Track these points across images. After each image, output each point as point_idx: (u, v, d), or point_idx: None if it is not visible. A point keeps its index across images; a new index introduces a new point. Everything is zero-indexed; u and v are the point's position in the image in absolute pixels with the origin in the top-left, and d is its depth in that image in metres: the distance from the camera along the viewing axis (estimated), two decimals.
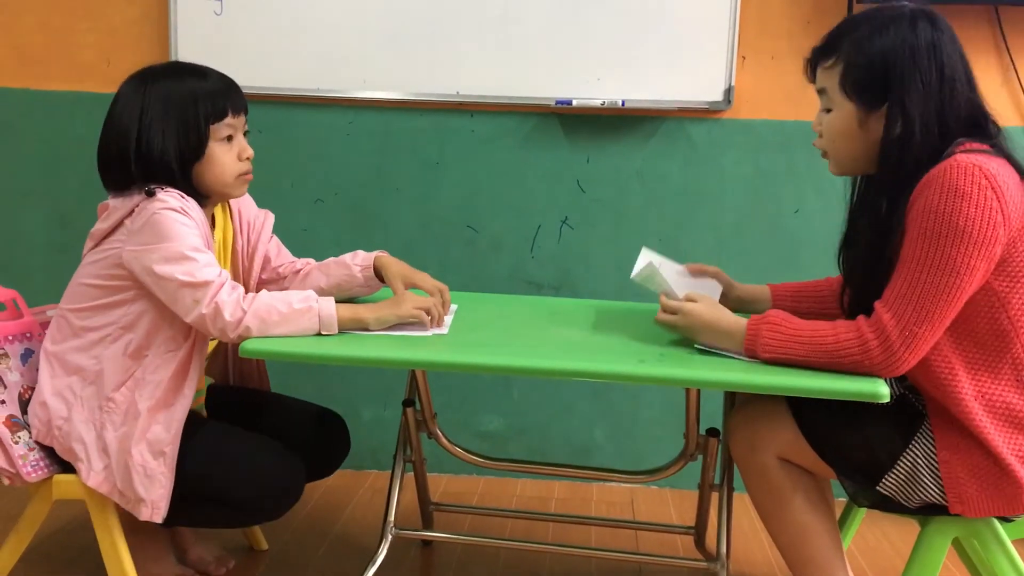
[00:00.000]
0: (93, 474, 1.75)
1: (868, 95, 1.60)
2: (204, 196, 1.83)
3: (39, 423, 1.79)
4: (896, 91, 1.57)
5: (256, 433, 1.86)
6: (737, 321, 1.66)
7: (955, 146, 1.55)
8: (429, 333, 1.77)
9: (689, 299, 1.71)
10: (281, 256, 2.07)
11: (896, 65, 1.57)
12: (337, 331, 1.73)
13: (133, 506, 1.73)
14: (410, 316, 1.77)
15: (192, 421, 1.77)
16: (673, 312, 1.70)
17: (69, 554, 2.24)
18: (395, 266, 1.95)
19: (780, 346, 1.58)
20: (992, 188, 1.49)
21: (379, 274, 1.97)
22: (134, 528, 1.91)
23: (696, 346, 1.69)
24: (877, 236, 1.62)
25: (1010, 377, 1.57)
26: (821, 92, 1.68)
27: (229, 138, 1.82)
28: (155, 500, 1.71)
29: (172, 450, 1.73)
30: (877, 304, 1.56)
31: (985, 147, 1.56)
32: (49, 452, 1.82)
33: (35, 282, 2.76)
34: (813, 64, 1.70)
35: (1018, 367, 1.57)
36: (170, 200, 1.71)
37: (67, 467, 1.81)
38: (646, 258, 1.80)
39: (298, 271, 2.05)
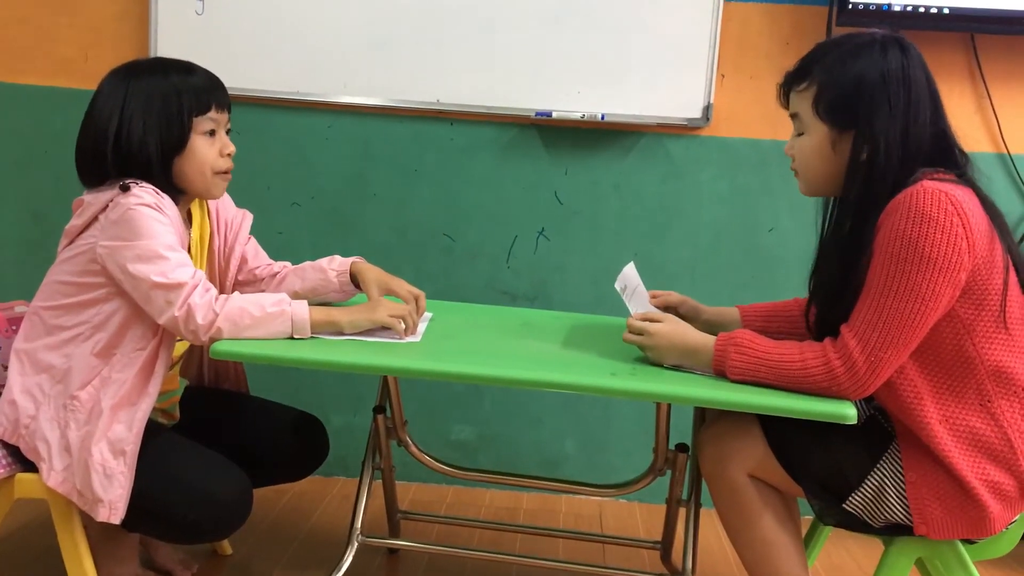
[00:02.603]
0: (53, 474, 1.72)
1: (840, 117, 1.63)
2: (181, 192, 1.82)
3: (6, 421, 1.77)
4: (865, 114, 1.59)
5: (209, 448, 1.82)
6: (704, 339, 1.67)
7: (921, 174, 1.57)
8: (402, 340, 1.76)
9: (653, 319, 1.71)
10: (258, 258, 2.06)
11: (866, 88, 1.60)
12: (310, 334, 1.72)
13: (91, 507, 1.69)
14: (384, 322, 1.76)
15: (147, 431, 1.73)
16: (639, 333, 1.71)
17: (31, 554, 2.21)
18: (371, 272, 1.95)
19: (747, 368, 1.60)
20: (958, 214, 1.51)
21: (355, 280, 1.97)
22: (104, 529, 1.89)
23: (665, 366, 1.70)
24: (842, 257, 1.64)
25: (975, 403, 1.59)
26: (794, 116, 1.71)
27: (211, 133, 1.81)
28: (113, 500, 1.68)
29: (133, 449, 1.70)
30: (843, 328, 1.58)
31: (951, 176, 1.58)
32: (13, 450, 1.79)
33: (6, 278, 2.73)
34: (786, 89, 1.72)
35: (983, 393, 1.58)
36: (145, 196, 1.70)
37: (30, 465, 1.78)
38: (624, 279, 1.81)
39: (275, 274, 2.04)
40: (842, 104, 1.62)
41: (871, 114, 1.59)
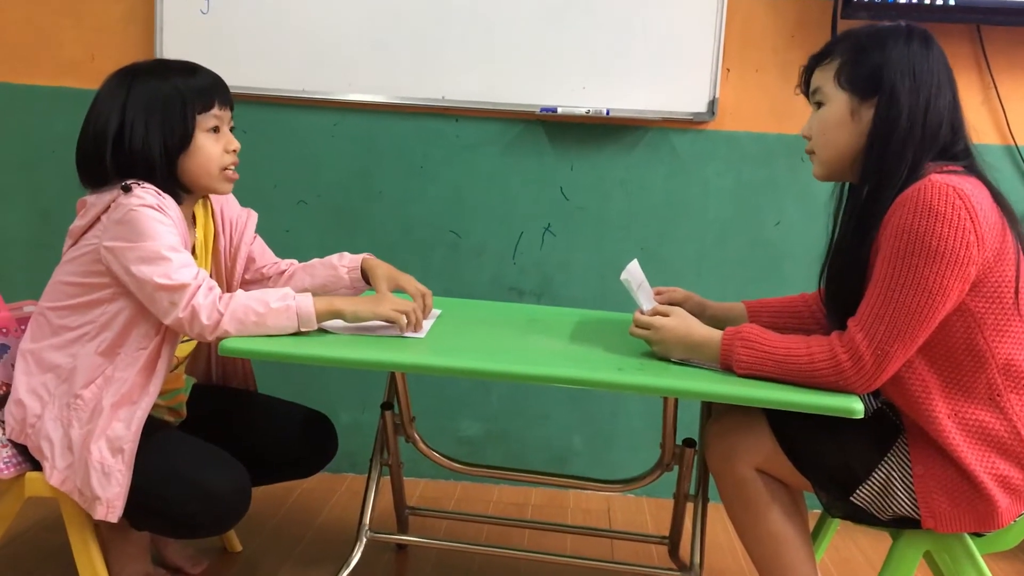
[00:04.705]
0: (56, 473, 1.73)
1: (861, 85, 1.63)
2: (187, 191, 1.83)
3: (13, 421, 1.78)
4: (888, 82, 1.60)
5: (212, 445, 1.82)
6: (710, 334, 1.67)
7: (928, 168, 1.57)
8: (404, 336, 1.76)
9: (661, 313, 1.72)
10: (265, 257, 2.07)
11: (890, 63, 1.61)
12: (316, 326, 1.73)
13: (90, 504, 1.70)
14: (387, 316, 1.76)
15: (149, 428, 1.74)
16: (646, 327, 1.71)
17: (43, 552, 2.23)
18: (381, 268, 1.96)
19: (754, 363, 1.60)
20: (966, 208, 1.50)
21: (365, 276, 1.97)
22: (113, 527, 1.90)
23: (672, 360, 1.70)
24: (852, 249, 1.63)
25: (984, 397, 1.58)
26: (815, 92, 1.71)
27: (215, 129, 1.81)
28: (111, 498, 1.69)
29: (131, 447, 1.70)
30: (850, 322, 1.57)
31: (958, 168, 1.58)
32: (22, 449, 1.80)
33: (14, 279, 2.74)
34: (810, 69, 1.73)
35: (993, 387, 1.58)
36: (147, 197, 1.70)
37: (40, 465, 1.79)
38: (629, 272, 1.81)
39: (282, 272, 2.05)
40: (863, 75, 1.62)
41: (895, 82, 1.59)
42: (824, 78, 1.68)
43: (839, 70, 1.65)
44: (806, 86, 1.74)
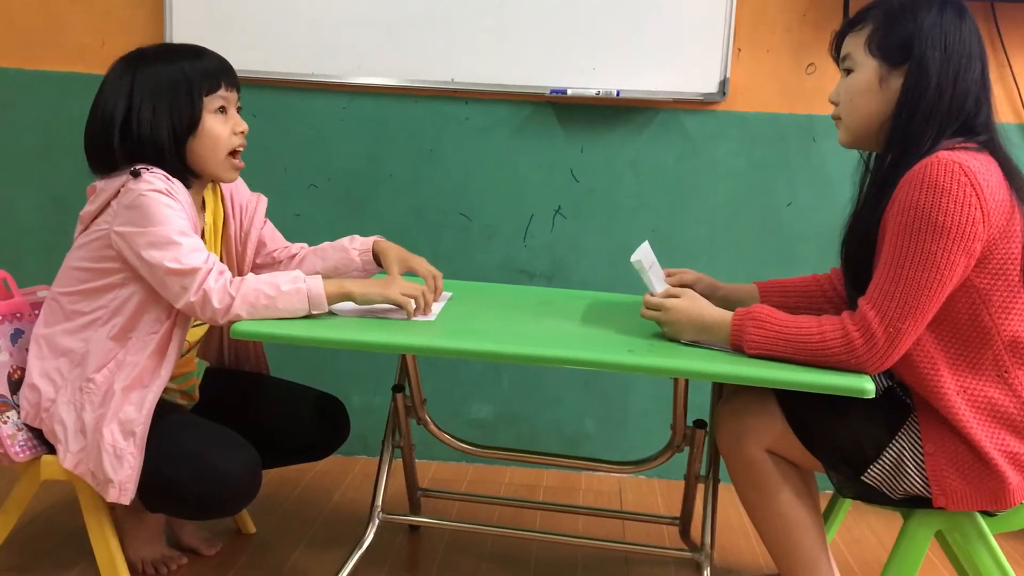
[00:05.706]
0: (69, 456, 1.75)
1: (891, 53, 1.62)
2: (195, 175, 1.83)
3: (28, 405, 1.80)
4: (918, 51, 1.59)
5: (218, 425, 1.83)
6: (721, 315, 1.66)
7: (941, 145, 1.56)
8: (413, 319, 1.76)
9: (671, 295, 1.71)
10: (275, 241, 2.08)
11: (921, 32, 1.60)
12: (327, 308, 1.73)
13: (102, 487, 1.72)
14: (396, 300, 1.76)
15: (161, 411, 1.75)
16: (656, 309, 1.71)
17: (59, 535, 2.25)
18: (393, 251, 1.96)
19: (765, 342, 1.59)
20: (971, 184, 1.50)
21: (377, 259, 1.98)
22: (128, 509, 1.92)
23: (683, 342, 1.70)
24: (870, 210, 1.63)
25: (992, 373, 1.58)
26: (845, 59, 1.70)
27: (223, 111, 1.81)
28: (123, 481, 1.70)
29: (142, 430, 1.72)
30: (861, 301, 1.57)
31: (971, 144, 1.57)
32: (38, 432, 1.82)
33: (28, 263, 2.76)
34: (841, 35, 1.72)
35: (1000, 363, 1.58)
36: (156, 182, 1.70)
37: (55, 448, 1.81)
38: (639, 253, 1.81)
39: (293, 255, 2.05)
40: (894, 43, 1.62)
41: (924, 51, 1.59)
42: (855, 44, 1.67)
43: (870, 37, 1.65)
44: (837, 52, 1.73)
